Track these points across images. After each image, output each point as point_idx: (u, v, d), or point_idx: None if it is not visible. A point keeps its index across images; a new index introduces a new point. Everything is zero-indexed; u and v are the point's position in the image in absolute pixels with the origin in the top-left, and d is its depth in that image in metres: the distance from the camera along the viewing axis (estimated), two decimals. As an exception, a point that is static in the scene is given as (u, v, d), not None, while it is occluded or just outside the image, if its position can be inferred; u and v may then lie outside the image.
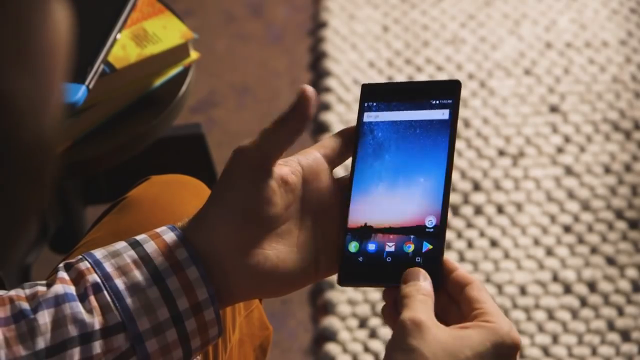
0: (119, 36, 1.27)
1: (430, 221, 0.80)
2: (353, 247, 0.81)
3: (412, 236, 0.80)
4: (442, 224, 0.80)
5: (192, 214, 0.82)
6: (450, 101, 0.83)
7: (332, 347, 1.64)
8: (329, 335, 1.65)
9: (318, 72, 2.09)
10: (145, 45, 1.31)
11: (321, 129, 1.97)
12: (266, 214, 0.78)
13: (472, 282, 0.77)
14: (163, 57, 1.31)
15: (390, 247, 0.81)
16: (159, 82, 1.33)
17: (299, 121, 0.79)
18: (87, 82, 1.19)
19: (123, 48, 1.29)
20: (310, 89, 0.79)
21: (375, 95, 0.85)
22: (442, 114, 0.83)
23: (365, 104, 0.84)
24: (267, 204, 0.78)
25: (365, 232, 0.81)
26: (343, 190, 0.82)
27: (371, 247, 0.81)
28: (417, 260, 0.79)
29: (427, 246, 0.80)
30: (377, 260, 0.80)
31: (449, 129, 0.82)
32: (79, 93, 1.17)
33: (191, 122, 1.71)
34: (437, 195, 0.81)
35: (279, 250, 0.79)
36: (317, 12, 2.22)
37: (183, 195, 0.97)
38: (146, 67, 1.30)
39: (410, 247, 0.80)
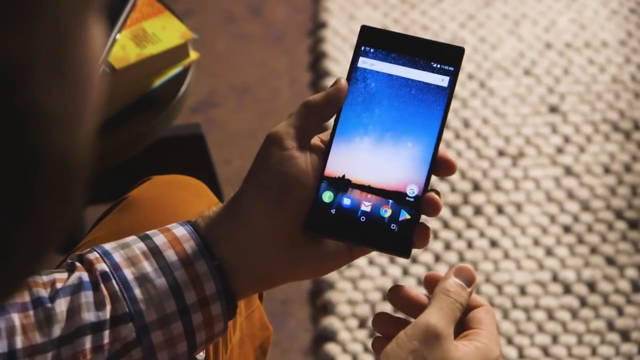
0: (118, 36, 1.27)
1: (412, 190, 0.79)
2: (327, 196, 0.79)
3: (390, 201, 0.79)
4: (423, 195, 0.79)
5: (194, 214, 0.82)
6: (451, 68, 0.81)
7: (332, 347, 1.64)
8: (329, 336, 1.65)
9: (318, 73, 2.09)
10: (145, 45, 1.31)
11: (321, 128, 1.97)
12: (301, 199, 0.78)
13: (484, 305, 0.77)
14: (163, 57, 1.32)
15: (366, 207, 0.79)
16: (158, 82, 1.33)
17: (331, 109, 0.80)
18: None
19: (123, 48, 1.29)
20: (344, 83, 0.80)
21: (374, 40, 0.81)
22: (442, 80, 0.80)
23: (362, 48, 0.81)
24: (302, 188, 0.78)
25: (342, 184, 0.79)
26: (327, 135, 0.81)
27: (346, 201, 0.79)
28: (392, 227, 0.78)
29: (404, 215, 0.79)
30: (350, 217, 0.79)
31: (446, 97, 0.80)
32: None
33: (191, 122, 1.71)
34: (423, 164, 0.79)
35: None
36: (316, 12, 2.22)
37: (184, 195, 0.97)
38: (146, 68, 1.31)
39: (387, 212, 0.79)
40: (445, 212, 1.81)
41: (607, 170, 1.88)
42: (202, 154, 1.61)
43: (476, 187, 1.86)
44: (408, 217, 0.79)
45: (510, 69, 2.08)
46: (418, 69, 0.81)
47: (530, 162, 1.90)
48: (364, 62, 0.81)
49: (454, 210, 1.82)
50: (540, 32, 2.15)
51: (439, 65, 0.81)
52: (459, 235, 1.78)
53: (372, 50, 0.81)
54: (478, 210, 1.82)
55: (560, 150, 1.92)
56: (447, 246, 1.77)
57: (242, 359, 0.98)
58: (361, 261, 1.73)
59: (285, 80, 2.09)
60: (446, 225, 1.79)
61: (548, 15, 2.19)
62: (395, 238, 0.79)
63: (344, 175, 0.80)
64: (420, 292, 0.79)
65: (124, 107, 1.31)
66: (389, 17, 2.20)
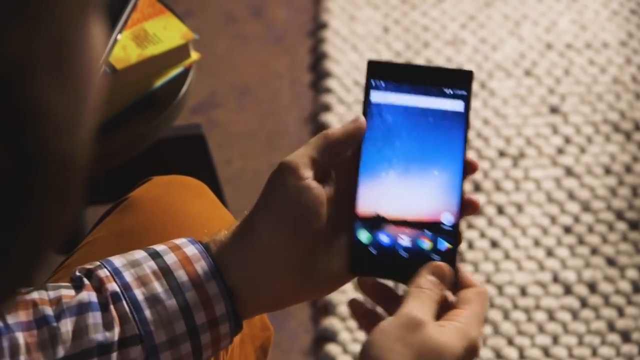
0: (119, 37, 1.27)
1: (447, 218, 0.79)
2: (364, 237, 0.79)
3: (427, 231, 0.79)
4: (459, 223, 0.79)
5: (195, 215, 0.82)
6: (464, 93, 0.80)
7: (332, 348, 1.64)
8: (330, 336, 1.65)
9: (318, 73, 2.09)
10: (146, 46, 1.31)
11: (321, 130, 1.97)
12: (316, 229, 0.78)
13: (475, 285, 0.77)
14: (163, 57, 1.32)
15: (404, 241, 0.79)
16: (159, 82, 1.33)
17: (349, 146, 0.80)
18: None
19: (124, 49, 1.29)
20: (363, 122, 0.80)
21: (382, 74, 0.81)
22: (457, 106, 0.80)
23: (372, 82, 0.81)
24: (317, 218, 0.78)
25: (377, 222, 0.79)
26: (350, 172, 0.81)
27: (384, 238, 0.79)
28: (434, 258, 0.78)
29: (444, 244, 0.79)
30: (392, 253, 0.79)
31: (464, 121, 0.80)
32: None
33: (191, 122, 1.71)
34: (453, 192, 0.79)
35: (321, 257, 0.80)
36: (317, 13, 2.22)
37: (185, 196, 0.97)
38: (147, 68, 1.31)
39: (426, 244, 0.79)
40: (445, 213, 1.81)
41: (607, 171, 1.88)
42: (202, 154, 1.61)
43: (477, 187, 1.86)
44: (448, 245, 0.79)
45: (510, 70, 2.08)
46: (431, 96, 0.80)
47: (531, 162, 1.90)
48: (376, 97, 0.81)
49: (455, 211, 1.82)
50: (541, 33, 2.16)
51: (451, 91, 0.80)
52: (460, 236, 1.78)
53: (382, 83, 0.81)
54: (479, 211, 1.82)
55: (560, 151, 1.92)
56: (448, 247, 1.77)
57: (242, 359, 0.98)
58: (362, 262, 1.73)
59: (286, 80, 2.09)
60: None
61: (549, 16, 2.19)
62: None
63: (377, 213, 0.79)
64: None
65: (124, 108, 1.31)
66: (389, 18, 2.20)
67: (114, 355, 0.76)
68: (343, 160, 0.81)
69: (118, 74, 1.27)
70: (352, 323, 1.67)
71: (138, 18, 1.33)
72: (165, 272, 0.77)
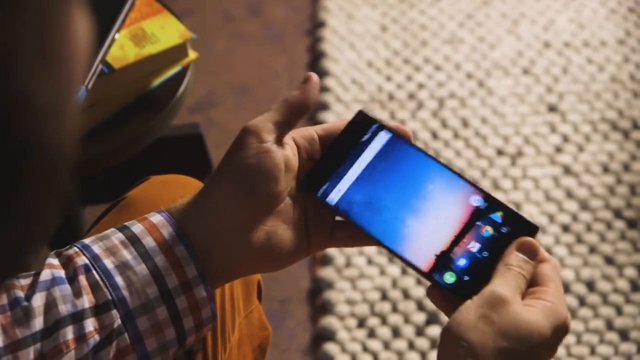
0: (117, 36, 1.27)
1: (477, 200, 0.80)
2: (449, 277, 0.78)
3: (477, 223, 0.79)
4: (485, 192, 0.80)
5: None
6: (375, 125, 0.83)
7: (330, 347, 1.64)
8: (328, 335, 1.65)
9: (316, 72, 2.08)
10: (144, 45, 1.30)
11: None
12: (272, 192, 0.79)
13: (550, 260, 0.77)
14: (161, 57, 1.31)
15: (472, 247, 0.79)
16: (157, 82, 1.33)
17: (304, 102, 0.82)
18: (85, 82, 1.19)
19: (121, 48, 1.29)
20: (315, 77, 0.83)
21: (317, 182, 0.83)
22: (384, 137, 0.83)
23: (321, 196, 0.82)
24: (274, 182, 0.79)
25: (444, 259, 0.79)
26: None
27: (462, 262, 0.79)
28: (504, 231, 0.78)
29: (497, 215, 0.79)
30: (476, 263, 0.78)
31: (401, 139, 0.82)
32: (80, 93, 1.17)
33: (190, 122, 1.71)
34: (455, 183, 0.81)
35: (277, 227, 0.80)
36: (315, 11, 2.22)
37: (183, 195, 0.97)
38: (144, 67, 1.30)
39: (488, 231, 0.79)
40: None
41: (605, 169, 1.88)
42: (201, 153, 1.61)
43: (475, 186, 1.86)
44: (501, 213, 0.79)
45: (508, 68, 2.08)
46: (361, 154, 0.83)
47: (529, 161, 1.90)
48: (333, 200, 0.82)
49: (453, 210, 1.82)
50: (539, 32, 2.15)
51: (367, 135, 0.83)
52: (458, 235, 1.78)
53: (325, 187, 0.83)
54: (477, 210, 1.82)
55: (559, 150, 1.92)
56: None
57: (240, 359, 0.98)
58: (360, 261, 1.73)
59: (284, 79, 2.09)
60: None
61: (547, 15, 2.19)
62: (517, 232, 0.78)
63: (436, 255, 0.79)
64: None
65: (122, 107, 1.31)
66: (387, 16, 2.20)
67: (89, 321, 0.76)
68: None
69: (116, 73, 1.27)
70: (351, 322, 1.67)
71: (136, 17, 1.33)
72: (132, 240, 0.78)
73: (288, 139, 0.83)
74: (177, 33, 1.33)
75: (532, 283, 0.76)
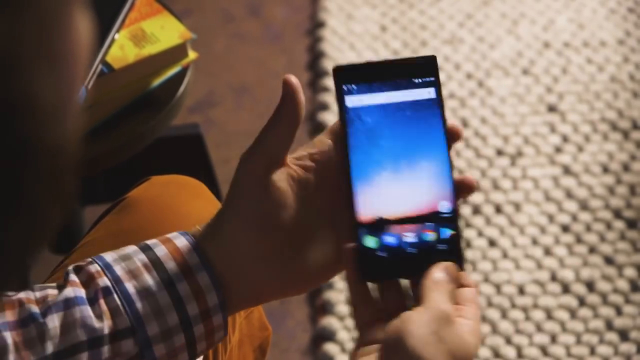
0: (117, 36, 1.27)
1: (444, 206, 0.79)
2: (371, 242, 0.78)
3: (429, 224, 0.79)
4: (456, 207, 0.79)
5: (193, 214, 0.81)
6: (432, 79, 0.80)
7: (330, 347, 1.64)
8: (328, 335, 1.65)
9: (316, 72, 2.09)
10: (144, 45, 1.30)
11: (319, 128, 1.97)
12: (281, 219, 0.77)
13: (475, 286, 0.78)
14: (161, 57, 1.31)
15: (410, 238, 0.79)
16: (157, 82, 1.33)
17: (293, 112, 0.79)
18: (85, 83, 1.19)
19: (121, 48, 1.29)
20: (292, 77, 0.79)
21: (351, 77, 0.81)
22: (429, 93, 0.80)
23: (344, 87, 0.80)
24: (281, 208, 0.77)
25: (380, 226, 0.79)
26: (342, 182, 0.79)
27: (390, 239, 0.79)
28: (441, 248, 0.78)
29: (447, 232, 0.79)
30: (401, 253, 0.79)
31: (439, 107, 0.80)
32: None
33: (189, 122, 1.71)
34: (444, 178, 0.79)
35: (300, 250, 0.78)
36: (315, 11, 2.22)
37: (183, 195, 0.97)
38: (144, 67, 1.30)
39: (431, 235, 0.79)
40: (443, 212, 1.81)
41: (605, 169, 1.88)
42: (200, 154, 1.61)
43: (475, 186, 1.86)
44: (451, 232, 0.79)
45: (508, 69, 2.08)
46: (402, 89, 0.81)
47: (529, 161, 1.90)
48: (351, 101, 0.80)
49: (453, 210, 1.82)
50: (539, 32, 2.15)
51: (420, 80, 0.81)
52: (458, 235, 1.78)
53: (354, 87, 0.81)
54: (476, 210, 1.82)
55: (558, 150, 1.92)
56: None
57: (241, 359, 0.98)
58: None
59: (283, 79, 2.09)
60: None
61: (546, 15, 2.19)
62: (448, 256, 0.78)
63: (379, 216, 0.79)
64: None
65: (122, 107, 1.31)
66: (387, 16, 2.20)
67: (105, 349, 0.75)
68: (326, 160, 0.80)
69: (116, 73, 1.27)
70: (351, 322, 1.67)
71: (135, 17, 1.33)
72: (155, 264, 0.76)
73: (303, 155, 0.80)
74: (177, 33, 1.33)
75: (455, 302, 0.76)
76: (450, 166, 0.80)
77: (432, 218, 0.79)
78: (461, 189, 0.80)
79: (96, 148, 1.28)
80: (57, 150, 0.45)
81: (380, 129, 0.80)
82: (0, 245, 0.44)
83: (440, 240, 0.79)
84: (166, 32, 1.33)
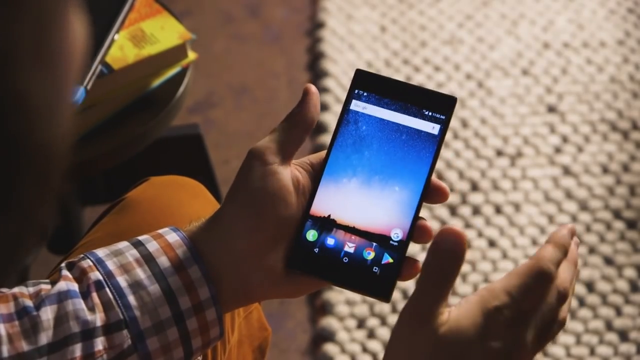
0: (116, 37, 1.27)
1: (397, 234, 0.79)
2: (311, 235, 0.79)
3: (374, 243, 0.79)
4: (407, 240, 0.79)
5: (192, 215, 0.81)
6: (443, 117, 0.81)
7: (330, 348, 1.64)
8: (327, 336, 1.65)
9: (316, 73, 2.09)
10: (143, 46, 1.30)
11: (319, 129, 1.97)
12: (279, 212, 0.78)
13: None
14: (161, 57, 1.31)
15: (349, 248, 0.79)
16: (156, 82, 1.33)
17: (309, 118, 0.80)
18: (84, 83, 1.19)
19: (121, 49, 1.29)
20: (313, 87, 0.81)
21: (368, 84, 0.82)
22: (433, 128, 0.81)
23: (356, 91, 0.82)
24: (283, 204, 0.78)
25: (327, 224, 0.80)
26: (315, 172, 0.81)
27: (330, 241, 0.79)
28: (374, 270, 0.79)
29: (387, 258, 0.79)
30: (333, 257, 0.79)
31: (436, 145, 0.80)
32: (77, 94, 1.17)
33: (189, 122, 1.71)
34: (409, 210, 0.79)
35: None
36: (314, 12, 2.22)
37: (182, 196, 0.97)
38: (144, 68, 1.30)
39: (370, 255, 0.79)
40: (443, 212, 1.82)
41: (605, 170, 1.88)
42: (200, 154, 1.61)
43: (474, 187, 1.86)
44: (391, 260, 0.79)
45: (508, 69, 2.08)
46: (410, 115, 0.81)
47: (529, 162, 1.90)
48: (356, 105, 0.82)
49: (452, 211, 1.82)
50: (538, 32, 2.16)
51: (430, 113, 0.81)
52: (457, 236, 1.78)
53: (365, 94, 0.82)
54: (476, 211, 1.82)
55: (558, 150, 1.92)
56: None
57: (240, 359, 0.98)
58: (359, 261, 1.73)
59: (283, 80, 2.09)
60: (444, 225, 1.79)
61: (546, 15, 2.19)
62: (376, 281, 0.79)
63: (329, 215, 0.80)
64: None
65: (122, 108, 1.31)
66: (386, 17, 2.20)
67: (98, 340, 0.75)
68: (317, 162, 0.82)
69: (115, 74, 1.27)
70: (350, 322, 1.67)
71: (135, 18, 1.33)
72: (147, 259, 0.77)
73: (304, 162, 0.81)
74: (177, 34, 1.33)
75: None
76: (419, 202, 0.79)
77: (379, 240, 0.79)
78: (434, 194, 0.80)
79: (96, 148, 1.28)
80: (47, 149, 0.45)
81: (369, 140, 0.81)
82: None
83: (377, 263, 0.79)
84: (166, 32, 1.33)
